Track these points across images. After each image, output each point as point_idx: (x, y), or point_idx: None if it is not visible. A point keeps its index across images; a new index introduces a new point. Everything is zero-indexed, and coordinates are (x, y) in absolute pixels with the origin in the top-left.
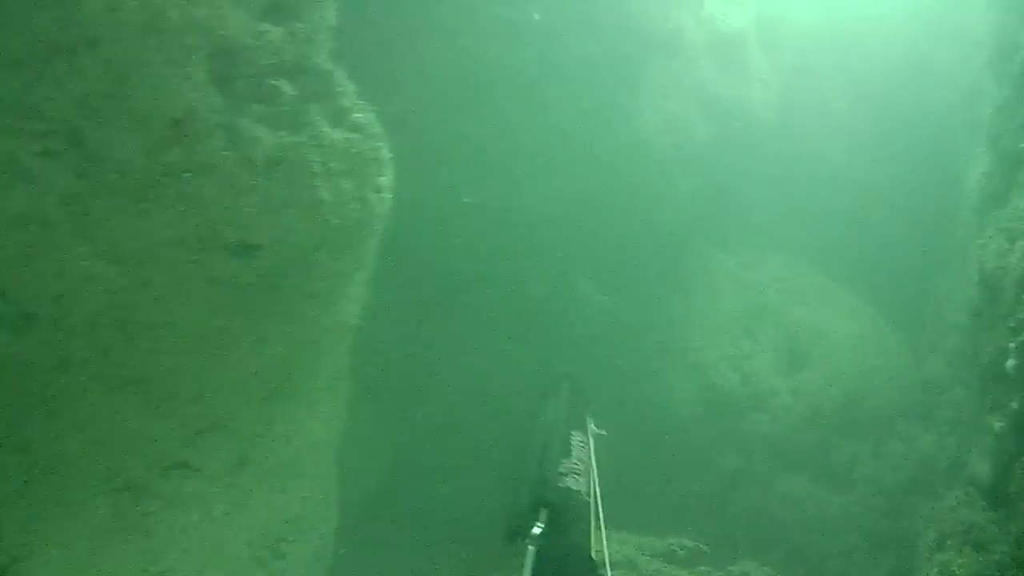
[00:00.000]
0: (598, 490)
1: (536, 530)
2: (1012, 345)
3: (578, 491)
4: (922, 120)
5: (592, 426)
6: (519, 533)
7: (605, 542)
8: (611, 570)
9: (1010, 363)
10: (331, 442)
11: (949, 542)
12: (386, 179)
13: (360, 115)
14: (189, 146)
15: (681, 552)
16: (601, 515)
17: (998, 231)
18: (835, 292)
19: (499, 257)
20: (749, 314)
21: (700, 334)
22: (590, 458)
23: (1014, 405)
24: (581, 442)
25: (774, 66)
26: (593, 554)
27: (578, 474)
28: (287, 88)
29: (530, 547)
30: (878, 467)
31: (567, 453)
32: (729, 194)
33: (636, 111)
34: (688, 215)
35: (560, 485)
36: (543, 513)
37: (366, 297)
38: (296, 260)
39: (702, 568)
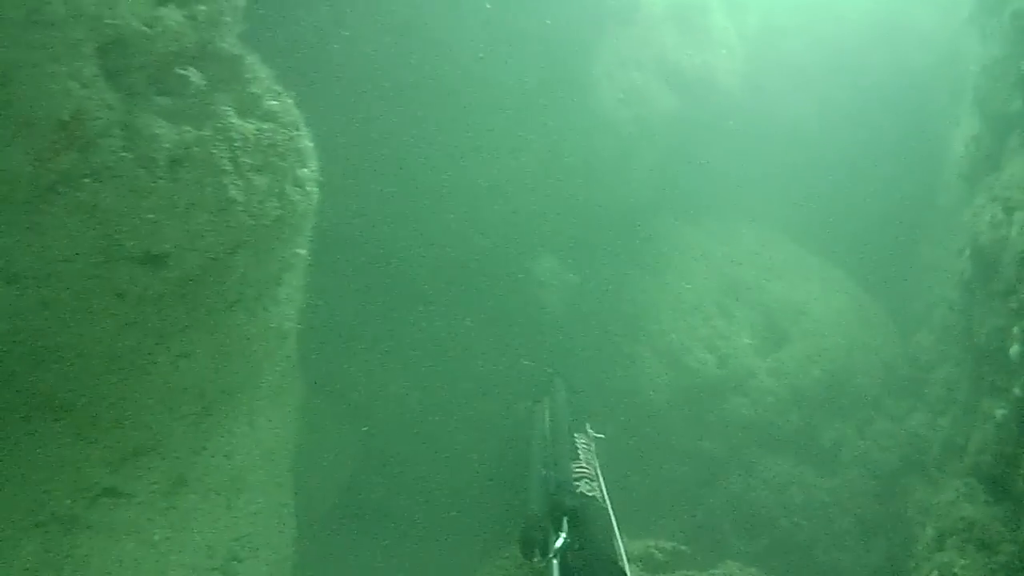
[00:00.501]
0: (607, 495)
1: (559, 542)
2: (1016, 330)
3: (593, 496)
4: (898, 82)
5: (589, 429)
6: (538, 545)
7: (623, 550)
8: None
9: (1015, 349)
10: (282, 450)
11: (950, 540)
12: (309, 171)
13: (275, 102)
14: (82, 150)
15: (659, 555)
16: (615, 522)
17: (991, 200)
18: (813, 265)
19: (455, 243)
20: (723, 292)
21: (672, 314)
22: (595, 460)
23: (1017, 392)
24: (585, 444)
25: (739, 30)
26: (619, 562)
27: (590, 479)
28: (191, 78)
29: (554, 560)
30: (866, 448)
31: (575, 456)
32: (697, 166)
33: (592, 83)
34: (654, 190)
35: (577, 491)
36: (564, 522)
37: (306, 297)
38: (210, 267)
39: (683, 572)
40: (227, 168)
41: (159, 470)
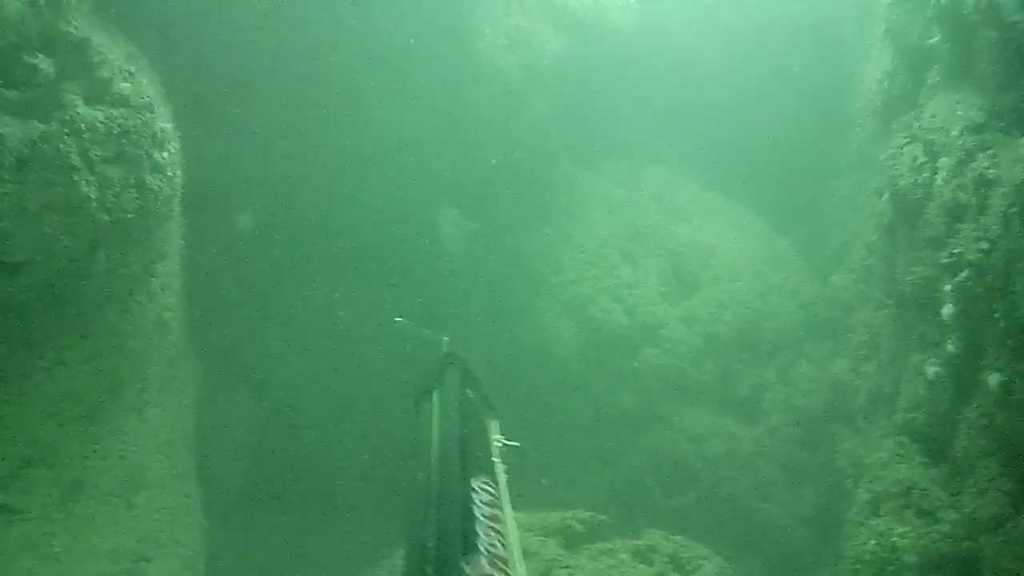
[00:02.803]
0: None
1: None
2: (948, 287)
3: None
4: (802, 12)
5: (499, 437)
6: None
7: None
8: None
9: (947, 310)
10: (181, 440)
11: (886, 505)
12: (169, 154)
13: (126, 84)
14: None
15: (578, 526)
16: None
17: (911, 140)
18: (720, 205)
19: (344, 205)
20: (627, 238)
21: (575, 265)
22: (508, 524)
23: (951, 348)
24: (489, 499)
25: None
26: None
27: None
28: (40, 66)
29: None
30: (788, 393)
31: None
32: (593, 110)
33: (474, 31)
34: (549, 137)
35: None
36: None
37: (188, 281)
38: (72, 269)
39: (604, 544)
40: (76, 163)
41: (50, 480)
